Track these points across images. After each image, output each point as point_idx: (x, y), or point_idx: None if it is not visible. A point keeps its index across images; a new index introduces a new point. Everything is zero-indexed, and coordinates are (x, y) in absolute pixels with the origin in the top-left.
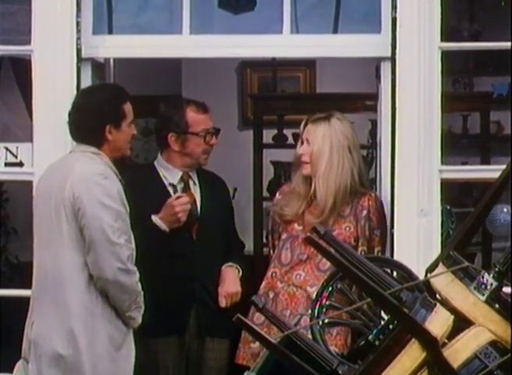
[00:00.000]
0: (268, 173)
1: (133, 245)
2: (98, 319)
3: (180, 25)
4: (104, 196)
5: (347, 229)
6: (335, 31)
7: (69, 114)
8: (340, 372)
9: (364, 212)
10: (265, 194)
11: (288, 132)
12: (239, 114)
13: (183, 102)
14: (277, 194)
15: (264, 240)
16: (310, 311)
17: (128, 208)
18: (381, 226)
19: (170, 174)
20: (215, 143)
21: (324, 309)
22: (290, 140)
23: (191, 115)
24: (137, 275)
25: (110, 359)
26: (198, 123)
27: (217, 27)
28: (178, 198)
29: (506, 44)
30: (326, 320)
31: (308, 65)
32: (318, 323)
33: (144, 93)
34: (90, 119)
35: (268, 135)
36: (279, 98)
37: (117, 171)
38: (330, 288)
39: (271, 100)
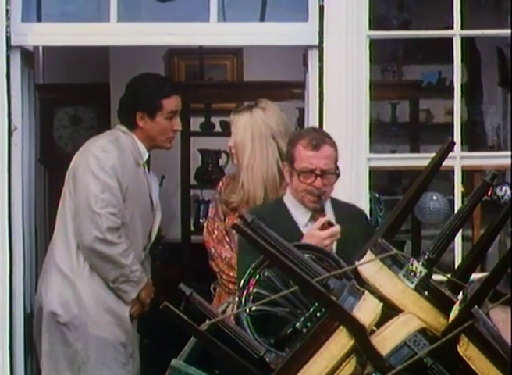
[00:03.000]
0: (196, 161)
1: (128, 221)
2: (85, 281)
3: (108, 13)
4: (96, 167)
5: None
6: (262, 19)
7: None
8: (267, 359)
9: None
10: (193, 181)
11: (215, 120)
12: None
13: (299, 136)
14: (220, 184)
15: (192, 227)
16: (237, 299)
17: (126, 185)
18: None
19: (298, 212)
20: (318, 186)
21: (251, 297)
22: (218, 128)
23: (299, 148)
24: (122, 247)
25: (96, 321)
26: (302, 160)
27: (144, 15)
28: (328, 225)
29: (435, 33)
30: (253, 308)
31: (235, 53)
32: (246, 310)
33: (72, 81)
34: (127, 101)
35: (195, 123)
36: (206, 86)
37: (142, 156)
38: (257, 276)
39: (198, 88)
